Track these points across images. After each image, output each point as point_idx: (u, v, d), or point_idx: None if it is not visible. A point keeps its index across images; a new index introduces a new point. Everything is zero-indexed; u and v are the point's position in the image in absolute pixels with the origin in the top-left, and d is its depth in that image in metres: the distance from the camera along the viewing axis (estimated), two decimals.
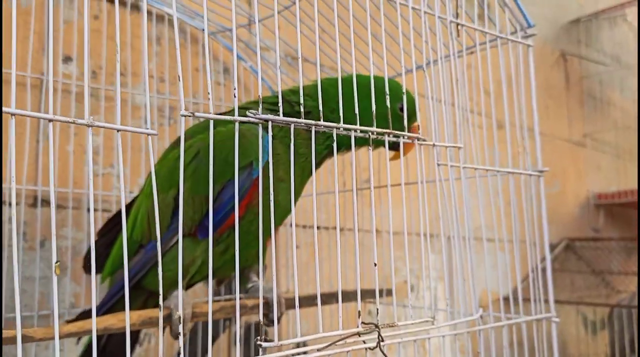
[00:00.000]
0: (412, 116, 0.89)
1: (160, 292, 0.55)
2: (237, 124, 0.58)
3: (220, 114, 0.73)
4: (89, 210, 1.16)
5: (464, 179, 0.84)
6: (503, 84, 0.94)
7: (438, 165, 0.79)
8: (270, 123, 0.60)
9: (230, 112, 0.95)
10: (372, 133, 0.69)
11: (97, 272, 1.10)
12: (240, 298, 1.08)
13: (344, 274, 1.56)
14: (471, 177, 0.90)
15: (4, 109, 0.43)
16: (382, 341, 0.66)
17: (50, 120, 0.46)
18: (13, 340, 0.78)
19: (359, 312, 0.66)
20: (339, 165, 1.63)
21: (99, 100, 1.19)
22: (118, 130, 0.50)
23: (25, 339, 0.79)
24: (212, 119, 0.56)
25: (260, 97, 0.59)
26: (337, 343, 0.64)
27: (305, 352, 0.62)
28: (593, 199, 2.71)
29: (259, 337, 0.59)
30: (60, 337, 0.80)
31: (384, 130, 0.70)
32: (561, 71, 2.68)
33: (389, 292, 1.31)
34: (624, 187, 2.69)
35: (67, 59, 1.17)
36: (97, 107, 1.19)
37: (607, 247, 2.53)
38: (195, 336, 1.29)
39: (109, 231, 1.05)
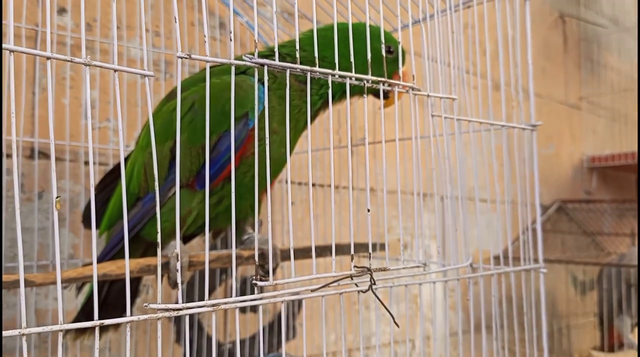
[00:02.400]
0: (397, 60, 0.89)
1: (159, 239, 0.56)
2: (233, 68, 0.58)
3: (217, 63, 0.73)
4: (86, 163, 1.17)
5: (457, 131, 0.85)
6: (499, 41, 0.94)
7: (432, 116, 0.80)
8: (266, 68, 0.60)
9: (227, 66, 0.95)
10: (368, 81, 0.70)
11: (95, 226, 1.11)
12: (237, 250, 1.10)
13: (338, 230, 1.58)
14: (465, 132, 0.91)
15: (6, 45, 0.43)
16: (374, 284, 0.68)
17: (48, 58, 0.47)
18: (14, 284, 0.79)
19: (352, 256, 0.68)
20: (333, 123, 1.63)
21: (94, 53, 1.19)
22: (115, 70, 0.51)
23: (26, 283, 0.81)
24: (208, 62, 0.56)
25: (256, 44, 0.59)
26: (330, 285, 0.66)
27: (298, 293, 0.64)
28: (586, 162, 2.73)
29: (254, 277, 0.61)
30: (61, 282, 0.82)
31: (380, 79, 0.71)
32: (559, 33, 2.66)
33: (382, 247, 1.34)
34: (618, 150, 2.71)
35: (62, 11, 1.16)
36: (92, 60, 1.18)
37: (599, 209, 2.56)
38: (192, 288, 1.32)
39: (106, 186, 1.06)
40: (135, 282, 1.12)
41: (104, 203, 1.04)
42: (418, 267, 0.75)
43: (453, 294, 1.76)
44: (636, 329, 2.16)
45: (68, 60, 0.47)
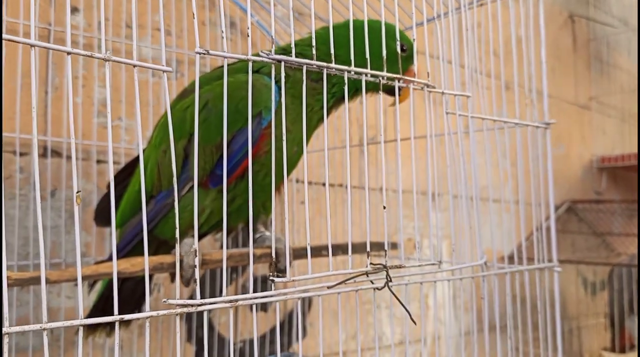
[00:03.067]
0: (411, 57, 0.89)
1: (177, 235, 0.56)
2: (250, 64, 0.58)
3: (233, 59, 0.73)
4: (98, 161, 1.17)
5: (472, 129, 0.85)
6: (512, 40, 0.94)
7: (447, 113, 0.80)
8: (283, 64, 0.60)
9: (240, 62, 0.95)
10: (383, 78, 0.70)
11: (106, 224, 1.12)
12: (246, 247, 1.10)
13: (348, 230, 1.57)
14: (478, 130, 0.91)
15: (26, 40, 0.44)
16: (390, 281, 0.68)
17: (68, 53, 0.47)
18: (30, 281, 0.80)
19: (368, 253, 0.68)
20: (341, 122, 1.63)
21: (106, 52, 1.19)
22: (135, 66, 0.51)
23: (39, 281, 0.81)
24: (226, 58, 0.56)
25: (274, 41, 0.59)
26: (346, 282, 0.66)
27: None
28: (596, 162, 2.71)
29: (270, 274, 0.61)
30: (73, 280, 0.83)
31: (395, 75, 0.71)
32: (569, 33, 2.65)
33: (394, 246, 1.33)
34: (628, 150, 2.70)
35: (74, 10, 1.16)
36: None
37: (609, 209, 2.54)
38: (202, 286, 1.32)
39: (118, 184, 1.06)
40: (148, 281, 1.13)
41: (117, 200, 1.04)
42: (433, 264, 0.74)
43: (464, 293, 1.75)
44: None
45: (88, 56, 0.47)
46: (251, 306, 0.60)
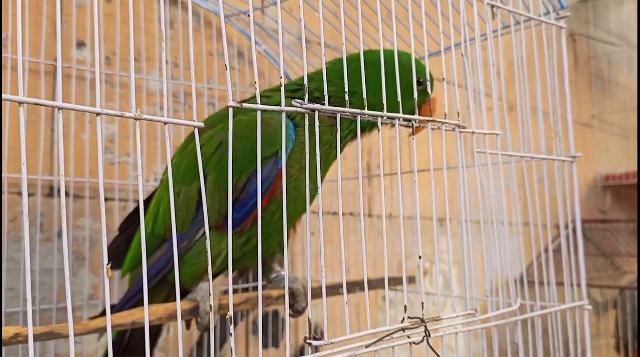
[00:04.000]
0: (427, 89, 0.86)
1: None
2: (283, 114, 0.55)
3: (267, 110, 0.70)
4: (106, 200, 1.13)
5: (501, 166, 0.82)
6: (536, 67, 0.91)
7: (477, 153, 0.77)
8: (317, 114, 0.57)
9: (252, 100, 0.92)
10: (400, 119, 0.66)
11: (117, 267, 1.07)
12: (264, 289, 1.06)
13: (361, 262, 1.54)
14: (506, 163, 0.88)
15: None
16: (429, 336, 0.64)
17: (98, 114, 0.44)
18: (41, 338, 0.75)
19: (405, 307, 0.64)
20: (350, 151, 1.60)
21: (114, 87, 1.16)
22: (165, 123, 0.47)
23: (54, 335, 0.77)
24: (259, 110, 0.53)
25: (307, 86, 0.56)
26: (384, 339, 0.62)
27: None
28: (601, 181, 2.69)
29: (307, 337, 0.57)
30: (90, 333, 0.78)
31: (412, 117, 0.67)
32: (570, 52, 2.65)
33: (411, 280, 1.29)
34: (633, 168, 2.68)
35: (81, 45, 1.13)
36: (112, 93, 1.15)
37: (616, 229, 2.52)
38: (215, 330, 1.28)
39: (129, 226, 1.02)
40: (159, 325, 1.08)
41: (128, 242, 1.00)
42: (470, 314, 0.71)
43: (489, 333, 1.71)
44: None
45: (118, 116, 0.43)
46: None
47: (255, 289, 1.22)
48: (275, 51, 1.36)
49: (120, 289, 1.13)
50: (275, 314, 1.41)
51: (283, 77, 0.56)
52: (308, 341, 0.56)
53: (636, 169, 2.63)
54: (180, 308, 0.90)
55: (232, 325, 0.51)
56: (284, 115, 0.56)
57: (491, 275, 0.83)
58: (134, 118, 0.45)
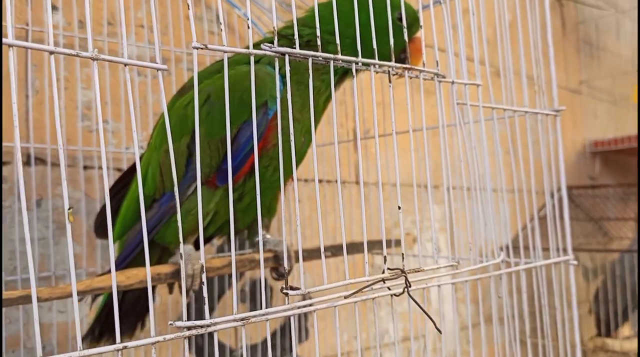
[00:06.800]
0: (413, 25, 0.83)
1: (181, 239, 0.51)
2: (252, 57, 0.53)
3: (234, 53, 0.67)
4: (84, 167, 1.11)
5: (482, 118, 0.81)
6: (519, 26, 0.90)
7: (457, 104, 0.75)
8: (287, 57, 0.55)
9: (238, 55, 0.89)
10: (392, 68, 0.65)
11: (106, 235, 1.05)
12: (249, 252, 1.05)
13: (349, 228, 1.53)
14: (488, 119, 0.87)
15: (3, 40, 0.38)
16: (410, 286, 0.63)
17: (51, 53, 0.42)
18: (19, 301, 0.74)
19: (385, 257, 0.63)
20: (340, 116, 1.58)
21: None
22: (125, 64, 0.45)
23: (29, 299, 0.75)
24: (225, 52, 0.51)
25: (276, 29, 0.54)
26: (363, 290, 0.61)
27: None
28: (589, 147, 2.69)
29: (283, 287, 0.56)
30: (67, 297, 0.77)
31: (404, 66, 0.66)
32: (557, 16, 2.62)
33: (397, 243, 1.29)
34: (620, 134, 2.67)
35: (53, 8, 1.10)
36: (86, 60, 1.12)
37: (604, 194, 2.52)
38: (200, 293, 1.27)
39: (116, 194, 1.00)
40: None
41: (116, 210, 0.98)
42: (452, 265, 0.70)
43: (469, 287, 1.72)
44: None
45: (74, 55, 0.41)
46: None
47: (242, 253, 1.21)
48: (255, 15, 1.33)
49: (103, 257, 1.12)
50: (266, 283, 1.40)
51: (249, 8, 0.54)
52: (284, 291, 0.55)
53: (624, 134, 2.62)
54: (162, 271, 0.90)
55: (204, 272, 0.50)
56: (252, 57, 0.54)
57: (479, 239, 0.82)
58: (91, 57, 0.43)
